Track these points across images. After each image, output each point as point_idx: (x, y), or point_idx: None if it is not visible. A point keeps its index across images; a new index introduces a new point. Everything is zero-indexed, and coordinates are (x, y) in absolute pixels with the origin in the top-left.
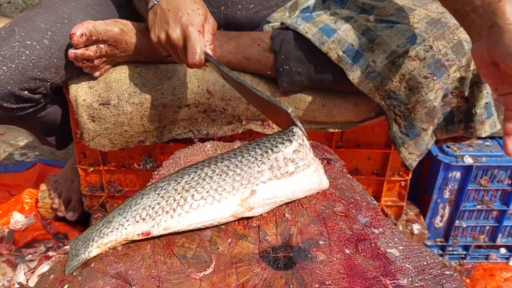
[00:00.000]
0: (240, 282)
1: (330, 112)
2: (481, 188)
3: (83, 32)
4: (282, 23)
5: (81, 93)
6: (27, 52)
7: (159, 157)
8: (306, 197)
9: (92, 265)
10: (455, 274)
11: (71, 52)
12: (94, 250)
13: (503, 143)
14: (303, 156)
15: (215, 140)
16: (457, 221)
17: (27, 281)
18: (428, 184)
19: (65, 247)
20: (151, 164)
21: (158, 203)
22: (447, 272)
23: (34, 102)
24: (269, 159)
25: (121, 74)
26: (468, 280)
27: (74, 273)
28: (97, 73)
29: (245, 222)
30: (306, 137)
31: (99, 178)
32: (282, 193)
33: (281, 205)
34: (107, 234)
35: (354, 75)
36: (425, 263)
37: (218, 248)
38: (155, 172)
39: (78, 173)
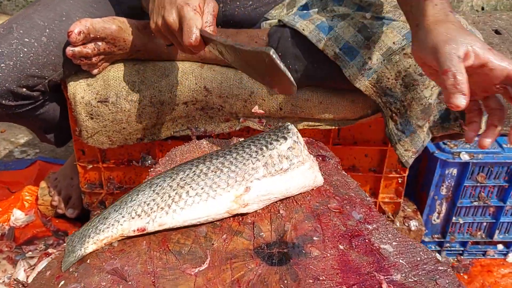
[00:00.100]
0: (234, 278)
1: (327, 109)
2: (478, 184)
3: (81, 30)
4: (279, 20)
5: (79, 90)
6: (25, 49)
7: (157, 154)
8: (300, 193)
9: (88, 261)
10: (449, 269)
11: (69, 49)
12: (90, 246)
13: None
14: (298, 153)
15: (212, 137)
16: (454, 218)
17: (27, 278)
18: (425, 181)
19: (65, 244)
20: (149, 161)
21: (153, 200)
22: (440, 268)
23: (32, 100)
24: (263, 156)
25: (119, 72)
26: (465, 276)
27: (71, 269)
28: (95, 71)
29: (240, 219)
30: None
31: (98, 175)
32: (277, 190)
33: (276, 202)
34: (103, 231)
35: (351, 72)
36: (418, 259)
37: (213, 244)
38: (151, 169)
39: (77, 170)
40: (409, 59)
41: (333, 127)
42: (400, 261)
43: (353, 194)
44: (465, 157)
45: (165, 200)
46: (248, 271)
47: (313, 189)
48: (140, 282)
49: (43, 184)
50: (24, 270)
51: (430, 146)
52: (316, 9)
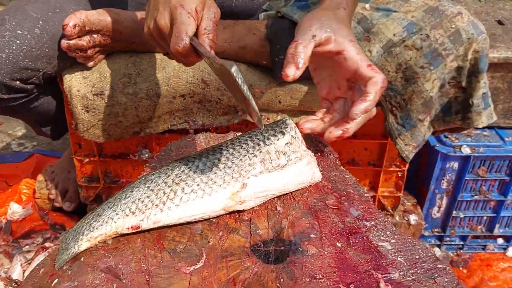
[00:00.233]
0: (230, 276)
1: None
2: (479, 178)
3: (76, 22)
4: (277, 12)
5: (75, 83)
6: (18, 41)
7: (155, 148)
8: (298, 190)
9: (82, 259)
10: (448, 268)
11: (64, 42)
12: (83, 243)
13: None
14: (295, 149)
15: (210, 131)
16: (454, 212)
17: (23, 272)
18: (426, 175)
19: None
20: (147, 155)
21: (148, 196)
22: (439, 266)
23: (26, 93)
24: (261, 151)
25: (115, 64)
26: (465, 271)
27: (64, 267)
28: (90, 63)
29: (237, 216)
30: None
31: (95, 169)
32: (274, 186)
33: (273, 198)
34: (96, 228)
35: None
36: (417, 257)
37: (209, 242)
38: (147, 165)
39: (74, 163)
40: (410, 51)
41: None
42: (399, 259)
43: (351, 190)
44: (466, 150)
45: (160, 197)
46: (244, 270)
47: (311, 185)
48: (134, 281)
49: (40, 177)
50: (21, 265)
51: (431, 140)
52: (315, 0)
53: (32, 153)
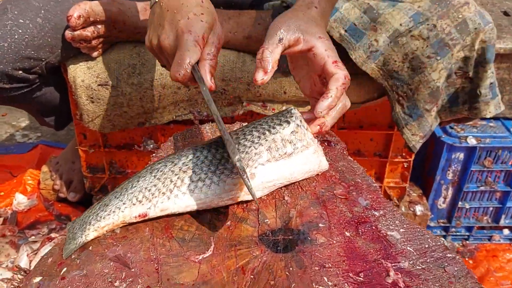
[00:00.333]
0: (239, 265)
1: None
2: (485, 169)
3: (81, 13)
4: (282, 1)
5: (79, 73)
6: (20, 30)
7: (159, 139)
8: (305, 179)
9: (90, 248)
10: (457, 257)
11: (68, 33)
12: (91, 233)
13: None
14: (301, 137)
15: (214, 122)
16: (460, 203)
17: (30, 262)
18: (432, 165)
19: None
20: (151, 146)
21: (155, 185)
22: (449, 255)
23: (28, 82)
24: (266, 140)
25: (119, 54)
26: (470, 261)
27: (72, 256)
28: (95, 53)
29: (244, 205)
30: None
31: (100, 160)
32: (281, 175)
33: (281, 188)
34: (104, 218)
35: (357, 54)
36: (426, 246)
37: (217, 231)
38: (153, 155)
39: (79, 154)
40: (416, 41)
41: None
42: (408, 248)
43: (359, 180)
44: (472, 141)
45: (167, 185)
46: (253, 258)
47: (318, 174)
48: (143, 269)
49: (44, 168)
50: (27, 255)
51: (437, 130)
52: None
53: (37, 144)
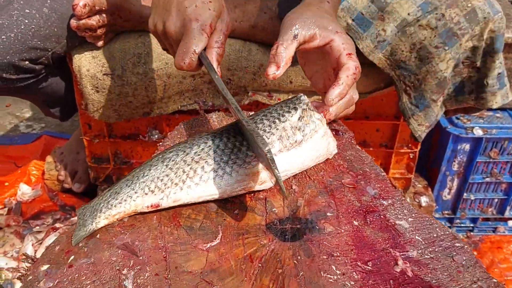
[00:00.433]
0: (247, 253)
1: None
2: (491, 160)
3: (86, 2)
4: None
5: (84, 63)
6: (26, 21)
7: (164, 129)
8: (313, 169)
9: (98, 236)
10: (465, 246)
11: (73, 22)
12: (101, 221)
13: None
14: (308, 121)
15: (220, 111)
16: (465, 194)
17: (35, 252)
18: (437, 156)
19: (72, 218)
20: (156, 136)
21: (167, 175)
22: (457, 244)
23: (35, 73)
24: (277, 129)
25: (124, 44)
26: (475, 253)
27: (80, 244)
28: (100, 43)
29: (252, 194)
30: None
31: (105, 150)
32: (293, 165)
33: (288, 177)
34: (115, 206)
35: (364, 44)
36: (435, 235)
37: (224, 219)
38: (160, 144)
39: (83, 144)
40: (424, 30)
41: None
42: (416, 237)
43: (367, 169)
44: (478, 132)
45: (179, 175)
46: (260, 247)
47: (327, 159)
48: (151, 257)
49: (49, 158)
50: (32, 245)
51: (443, 121)
52: None
53: (41, 135)
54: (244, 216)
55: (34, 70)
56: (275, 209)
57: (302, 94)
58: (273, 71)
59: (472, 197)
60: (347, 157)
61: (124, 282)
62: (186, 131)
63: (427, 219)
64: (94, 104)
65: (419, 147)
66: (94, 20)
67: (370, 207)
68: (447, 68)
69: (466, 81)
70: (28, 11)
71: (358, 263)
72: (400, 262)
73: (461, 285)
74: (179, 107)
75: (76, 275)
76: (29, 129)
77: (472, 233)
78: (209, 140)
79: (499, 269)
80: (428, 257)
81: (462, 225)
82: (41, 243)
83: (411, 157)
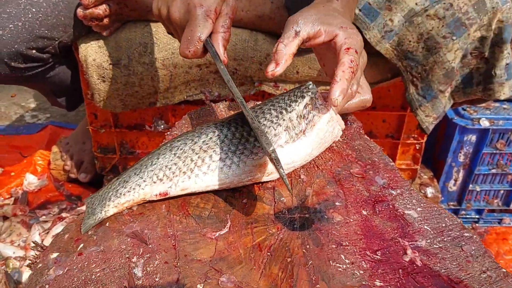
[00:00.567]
0: (256, 242)
1: None
2: (497, 151)
3: None
4: None
5: (91, 52)
6: (34, 9)
7: (170, 119)
8: (322, 158)
9: (107, 224)
10: (474, 236)
11: (80, 11)
12: (111, 209)
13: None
14: (312, 108)
15: (227, 101)
16: (471, 185)
17: (42, 242)
18: (443, 148)
19: (78, 208)
20: (162, 126)
21: (175, 164)
22: (466, 234)
23: (42, 62)
24: (284, 120)
25: (131, 33)
26: None
27: (89, 233)
28: (106, 32)
29: (260, 184)
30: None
31: (111, 140)
32: (300, 157)
33: (297, 168)
34: (124, 194)
35: (371, 34)
36: (443, 225)
37: (233, 208)
38: (168, 133)
39: (89, 134)
40: (432, 20)
41: None
42: (425, 227)
43: (376, 159)
44: (485, 123)
45: (188, 164)
46: (269, 236)
47: (335, 149)
48: (161, 246)
49: (55, 148)
50: (39, 234)
51: (449, 112)
52: None
53: (46, 125)
54: (253, 205)
55: (42, 59)
56: (283, 198)
57: (310, 82)
58: (271, 68)
59: (478, 189)
60: (356, 147)
61: (134, 270)
62: (194, 120)
63: (435, 209)
64: (100, 94)
65: (425, 138)
66: (100, 10)
67: (379, 197)
68: (455, 58)
69: (475, 72)
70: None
71: (367, 253)
72: (409, 251)
73: (470, 274)
74: (185, 97)
75: (86, 263)
76: (35, 119)
77: (477, 224)
78: (217, 130)
79: (505, 261)
80: (437, 246)
81: (467, 216)
82: (47, 233)
83: (417, 148)
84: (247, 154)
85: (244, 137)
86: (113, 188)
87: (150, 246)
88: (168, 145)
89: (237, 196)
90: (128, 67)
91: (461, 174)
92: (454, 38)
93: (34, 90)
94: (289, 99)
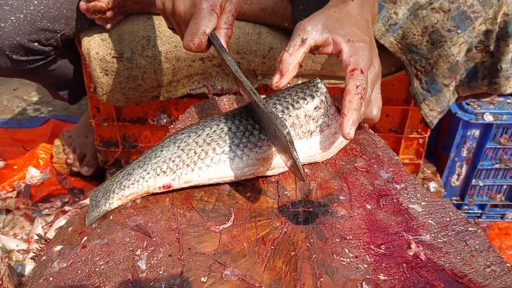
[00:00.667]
0: (260, 236)
1: None
2: (500, 146)
3: None
4: None
5: (93, 45)
6: (36, 1)
7: (173, 113)
8: None
9: (111, 217)
10: (479, 230)
11: (83, 4)
12: (115, 202)
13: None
14: (324, 113)
15: (231, 95)
16: (474, 180)
17: (44, 235)
18: (446, 142)
19: (81, 202)
20: (165, 120)
21: (179, 156)
22: (470, 229)
23: (44, 55)
24: (290, 116)
25: (133, 26)
26: None
27: (93, 225)
28: (109, 25)
29: (264, 177)
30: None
31: (114, 133)
32: (302, 155)
33: None
34: (128, 187)
35: (375, 27)
36: (448, 219)
37: (237, 202)
38: (171, 126)
39: (91, 128)
40: (437, 14)
41: None
42: (429, 221)
43: (380, 153)
44: (489, 118)
45: (191, 157)
46: (273, 229)
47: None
48: (165, 239)
49: (57, 142)
50: (42, 227)
51: (453, 107)
52: None
53: (48, 118)
54: (257, 199)
55: (44, 52)
56: (287, 192)
57: (319, 80)
58: (276, 80)
59: (481, 184)
60: (360, 141)
61: (138, 263)
62: (197, 114)
63: (440, 203)
64: (103, 87)
65: (428, 132)
66: (103, 2)
67: (383, 191)
68: (460, 52)
69: (479, 66)
70: None
71: (371, 247)
72: (413, 245)
73: (474, 269)
74: (188, 90)
75: (90, 256)
76: (37, 113)
77: (480, 219)
78: (221, 122)
79: (507, 256)
80: (441, 241)
81: (470, 211)
82: (50, 226)
83: (420, 142)
84: (251, 147)
85: (248, 130)
86: (117, 181)
87: (154, 239)
88: (172, 137)
89: (241, 190)
90: (131, 61)
91: (464, 169)
92: (459, 31)
93: (36, 84)
94: (296, 95)
